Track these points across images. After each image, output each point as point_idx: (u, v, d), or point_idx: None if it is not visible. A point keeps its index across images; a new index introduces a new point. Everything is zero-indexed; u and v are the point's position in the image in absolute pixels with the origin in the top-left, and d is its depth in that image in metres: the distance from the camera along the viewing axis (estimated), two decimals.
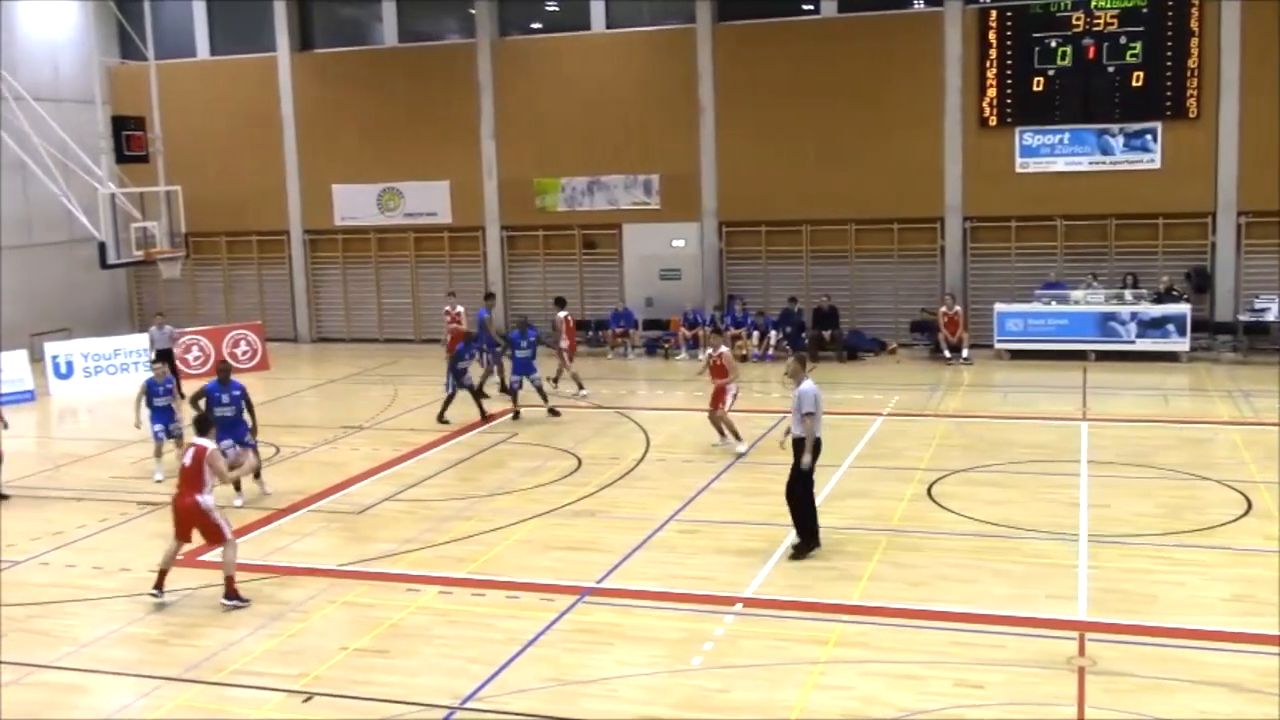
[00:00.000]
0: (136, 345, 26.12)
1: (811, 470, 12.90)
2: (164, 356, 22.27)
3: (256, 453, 15.98)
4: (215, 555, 12.53)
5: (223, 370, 16.27)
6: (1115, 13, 25.31)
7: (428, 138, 29.97)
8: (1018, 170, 26.42)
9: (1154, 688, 9.60)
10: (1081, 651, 10.31)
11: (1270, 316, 24.57)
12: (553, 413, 20.81)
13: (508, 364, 21.88)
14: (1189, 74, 25.11)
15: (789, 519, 13.10)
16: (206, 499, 12.06)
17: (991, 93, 26.29)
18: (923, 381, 23.44)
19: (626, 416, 20.83)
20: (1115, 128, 25.71)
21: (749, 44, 27.77)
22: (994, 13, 26.06)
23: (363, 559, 13.48)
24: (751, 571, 12.54)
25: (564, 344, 23.03)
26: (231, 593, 11.99)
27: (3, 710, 9.92)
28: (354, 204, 30.97)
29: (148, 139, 25.89)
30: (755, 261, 28.54)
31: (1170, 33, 25.08)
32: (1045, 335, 25.09)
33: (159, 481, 16.95)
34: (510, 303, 29.45)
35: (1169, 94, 25.26)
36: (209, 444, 12.32)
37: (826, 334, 26.44)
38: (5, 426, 17.08)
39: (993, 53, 26.16)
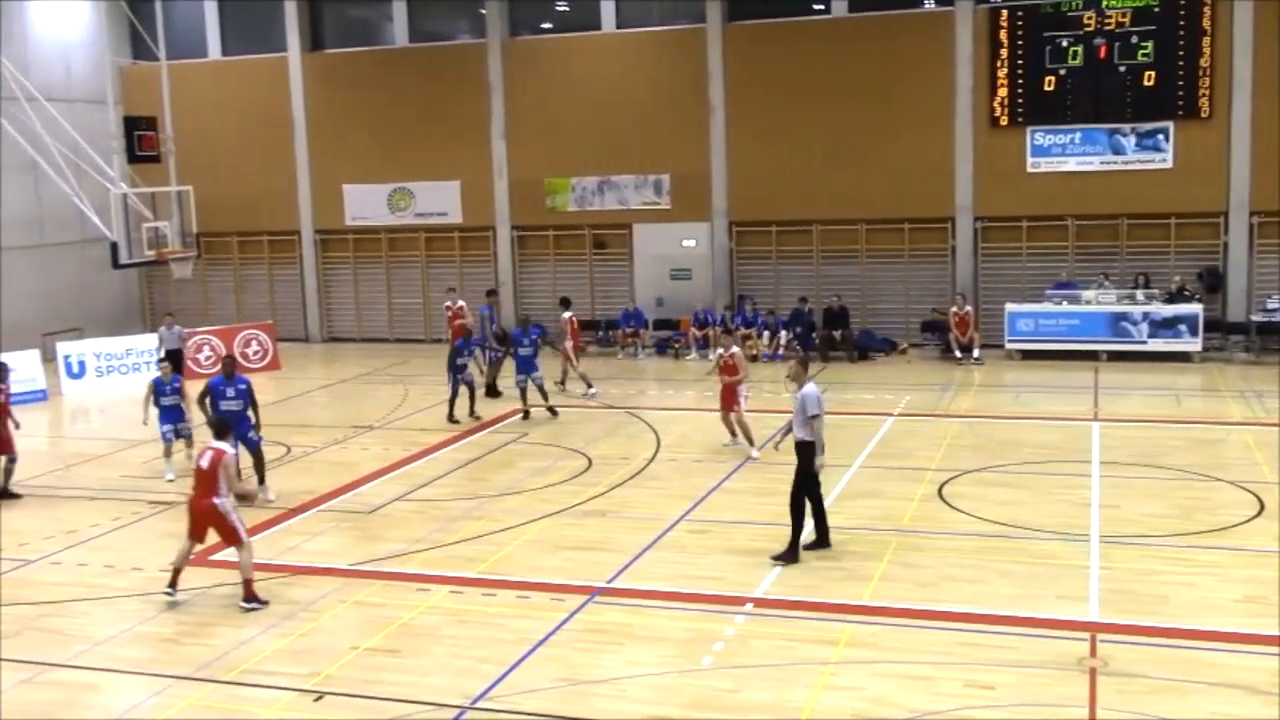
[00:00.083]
0: (148, 345, 26.18)
1: (819, 471, 12.89)
2: (173, 357, 22.33)
3: (260, 452, 15.94)
4: (229, 555, 12.57)
5: (227, 364, 16.25)
6: (1127, 12, 25.23)
7: (438, 138, 30.01)
8: (1029, 170, 26.36)
9: (1166, 689, 9.57)
10: (1093, 653, 10.28)
11: None
12: (551, 411, 20.80)
13: (508, 364, 21.88)
14: (1201, 73, 25.02)
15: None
16: (223, 501, 12.08)
17: (1002, 92, 26.23)
18: (933, 382, 23.40)
19: (637, 416, 20.83)
20: (1127, 127, 25.64)
21: (759, 44, 27.75)
22: (1005, 12, 26.00)
23: (373, 559, 13.50)
24: (762, 572, 12.52)
25: (568, 344, 23.06)
26: (250, 595, 12.00)
27: (15, 710, 9.96)
28: (365, 204, 31.02)
29: (159, 139, 25.93)
30: (765, 261, 28.52)
31: (1182, 32, 25.00)
32: (1056, 335, 25.03)
33: (170, 481, 17.00)
34: (521, 303, 29.49)
35: (1181, 93, 25.18)
36: (227, 448, 12.38)
37: (837, 334, 26.41)
38: (17, 427, 17.14)
39: (1004, 52, 26.10)
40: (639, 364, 27.08)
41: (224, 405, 15.45)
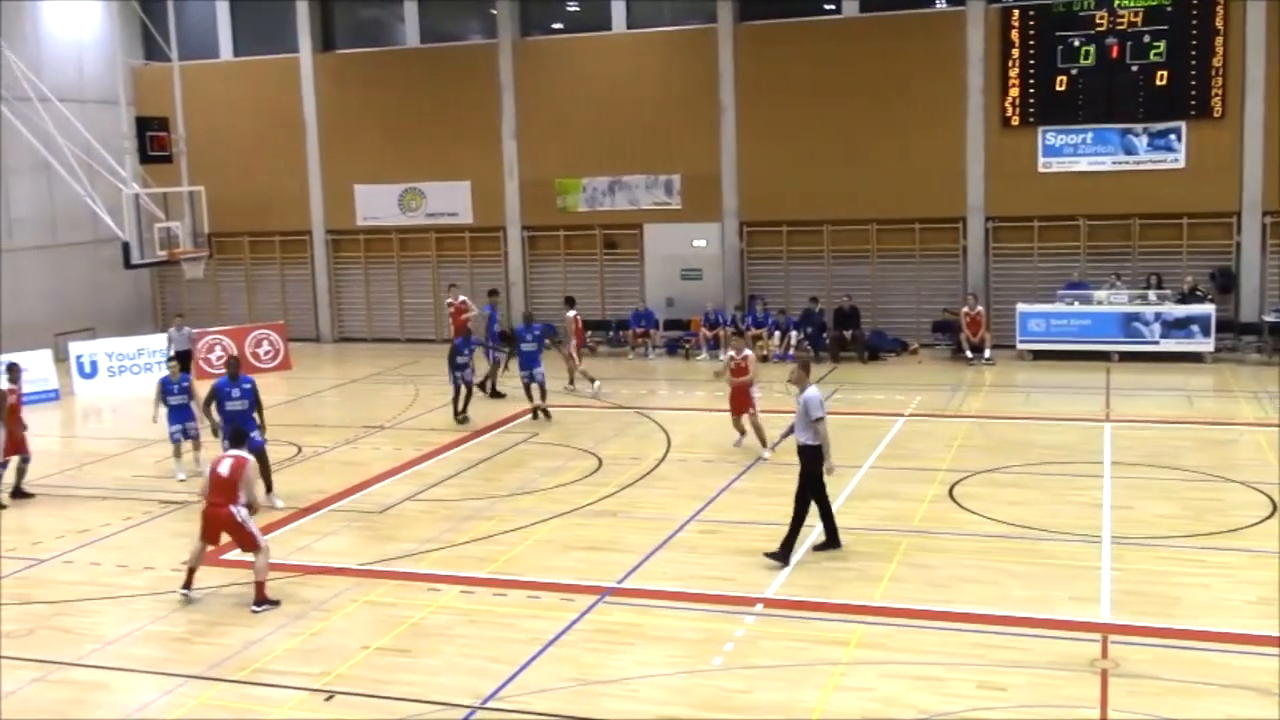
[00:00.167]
0: (160, 345, 26.24)
1: (829, 474, 12.89)
2: (182, 358, 22.39)
3: (264, 454, 15.88)
4: (245, 555, 12.55)
5: (231, 365, 16.27)
6: (1139, 11, 25.15)
7: (449, 138, 30.05)
8: (1040, 170, 26.29)
9: (1178, 690, 9.54)
10: (1104, 654, 10.26)
11: None
12: (545, 413, 20.69)
13: (510, 363, 21.87)
14: (1213, 73, 24.93)
15: (810, 521, 13.06)
16: (240, 510, 12.10)
17: (1014, 92, 26.17)
18: (944, 382, 23.36)
19: (647, 416, 20.83)
20: (1139, 127, 25.55)
21: (770, 44, 27.73)
22: (1016, 12, 25.93)
23: (384, 558, 13.52)
24: (772, 572, 12.51)
25: (571, 344, 23.02)
26: (261, 599, 12.03)
27: (27, 708, 10.00)
28: (376, 204, 31.07)
29: (171, 139, 25.99)
30: (776, 261, 28.50)
31: (1195, 31, 24.90)
32: (1068, 336, 24.96)
33: (181, 481, 17.06)
34: (531, 303, 29.51)
35: (1193, 93, 25.09)
36: (249, 457, 12.42)
37: (848, 334, 26.37)
38: (25, 428, 17.17)
39: (1015, 52, 26.04)
40: (649, 364, 27.08)
41: (229, 405, 15.47)
